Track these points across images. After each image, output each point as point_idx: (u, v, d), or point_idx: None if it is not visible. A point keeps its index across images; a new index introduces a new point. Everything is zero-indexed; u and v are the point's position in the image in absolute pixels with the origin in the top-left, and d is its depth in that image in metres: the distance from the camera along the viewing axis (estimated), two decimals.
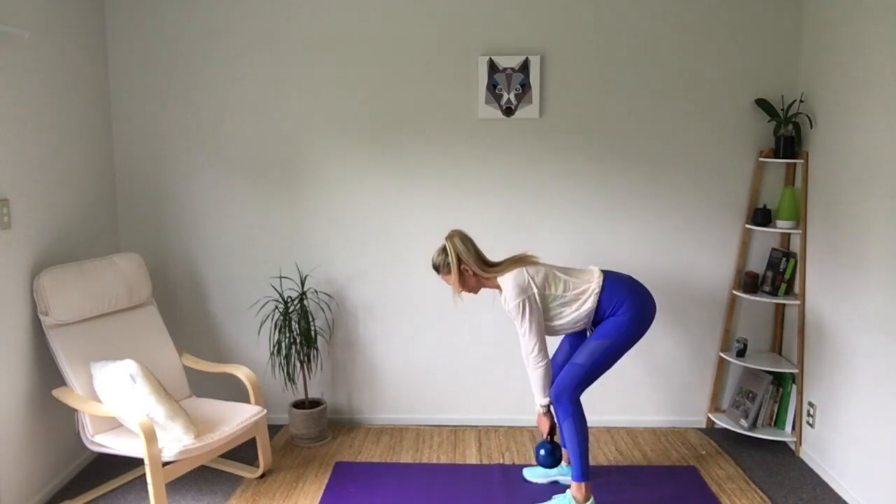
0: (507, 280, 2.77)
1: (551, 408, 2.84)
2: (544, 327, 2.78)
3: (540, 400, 2.80)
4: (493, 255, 3.59)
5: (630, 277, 2.86)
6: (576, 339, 2.97)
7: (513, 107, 3.46)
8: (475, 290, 2.92)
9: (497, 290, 2.87)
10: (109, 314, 3.10)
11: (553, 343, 3.16)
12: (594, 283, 2.78)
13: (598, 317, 2.80)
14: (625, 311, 2.73)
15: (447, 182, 3.56)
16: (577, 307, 2.77)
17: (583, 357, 2.76)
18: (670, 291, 3.62)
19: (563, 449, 3.00)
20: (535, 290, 2.74)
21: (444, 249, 2.85)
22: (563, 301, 2.78)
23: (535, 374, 2.77)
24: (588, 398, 3.46)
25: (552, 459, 2.91)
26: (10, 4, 2.75)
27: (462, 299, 3.01)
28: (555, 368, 2.97)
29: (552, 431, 2.88)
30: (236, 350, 3.72)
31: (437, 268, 2.89)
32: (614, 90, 3.48)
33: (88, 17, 3.34)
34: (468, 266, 2.82)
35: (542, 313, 2.76)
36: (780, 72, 3.45)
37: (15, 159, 2.79)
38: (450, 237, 2.85)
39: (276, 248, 3.64)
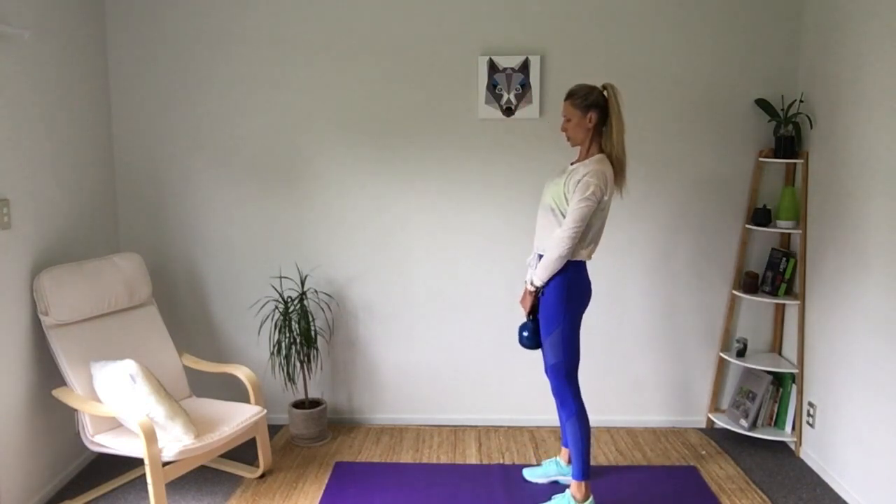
0: (603, 163, 2.65)
1: (539, 293, 2.78)
2: (586, 221, 2.64)
3: (536, 280, 2.72)
4: (494, 256, 3.61)
5: (586, 271, 2.80)
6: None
7: (513, 107, 3.46)
8: (573, 141, 2.76)
9: (578, 156, 2.76)
10: (109, 314, 3.10)
11: None
12: (584, 254, 2.71)
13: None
14: (560, 283, 2.69)
15: (447, 182, 3.56)
16: (567, 246, 2.65)
17: (550, 357, 2.76)
18: (670, 291, 3.62)
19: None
20: (605, 197, 2.64)
21: (594, 88, 2.69)
22: (582, 230, 2.67)
23: (552, 253, 2.64)
24: (588, 398, 3.46)
25: (536, 340, 2.85)
26: (10, 4, 2.75)
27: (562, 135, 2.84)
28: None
29: (533, 311, 2.84)
30: (236, 350, 3.72)
31: (573, 94, 2.70)
32: None
33: (88, 17, 3.34)
34: (594, 116, 2.67)
35: (594, 210, 2.64)
36: (780, 72, 3.45)
37: (15, 159, 2.79)
38: (610, 85, 2.69)
39: (276, 248, 3.64)
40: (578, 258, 2.72)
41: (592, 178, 2.61)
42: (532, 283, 2.76)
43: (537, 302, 2.81)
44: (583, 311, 2.78)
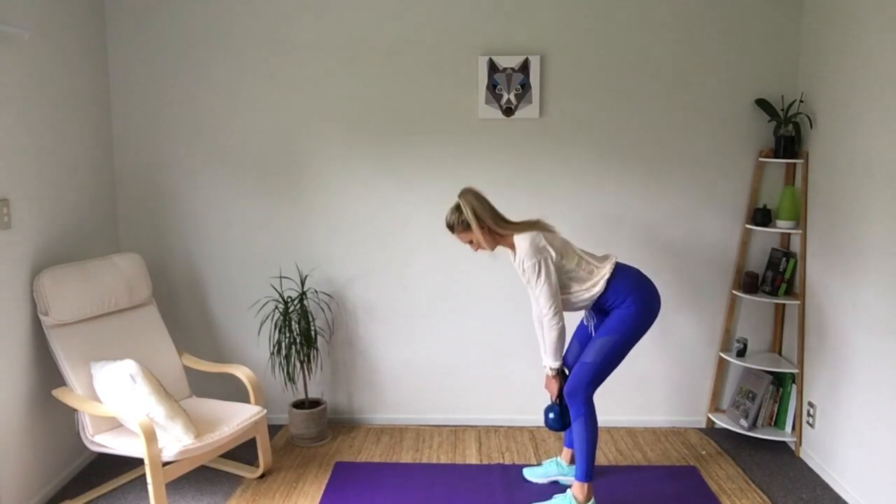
0: (525, 239, 2.72)
1: (562, 371, 2.83)
2: (559, 291, 2.73)
3: (551, 363, 2.78)
4: (493, 256, 3.60)
5: (638, 271, 2.84)
6: (585, 338, 2.96)
7: (513, 107, 3.46)
8: (491, 248, 2.84)
9: (510, 251, 2.82)
10: (109, 314, 3.10)
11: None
12: (606, 269, 2.75)
13: (602, 304, 2.78)
14: (630, 303, 2.72)
15: (447, 182, 3.56)
16: (588, 287, 2.75)
17: (592, 355, 2.75)
18: (670, 291, 3.62)
19: (570, 416, 2.89)
20: (552, 254, 2.70)
21: (457, 207, 2.79)
22: (574, 276, 2.75)
23: (549, 336, 2.73)
24: None
25: (562, 422, 2.86)
26: (10, 4, 2.75)
27: (489, 255, 2.93)
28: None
29: (560, 394, 2.85)
30: (236, 350, 3.72)
31: (451, 227, 2.81)
32: (614, 90, 3.48)
33: (88, 17, 3.34)
34: (484, 222, 2.76)
35: (556, 277, 2.71)
36: (780, 72, 3.45)
37: (15, 159, 2.79)
38: (463, 194, 2.79)
39: (276, 248, 3.64)
40: (597, 281, 2.74)
41: (528, 259, 2.69)
42: (551, 368, 2.80)
43: (562, 385, 2.83)
44: (644, 331, 2.78)
